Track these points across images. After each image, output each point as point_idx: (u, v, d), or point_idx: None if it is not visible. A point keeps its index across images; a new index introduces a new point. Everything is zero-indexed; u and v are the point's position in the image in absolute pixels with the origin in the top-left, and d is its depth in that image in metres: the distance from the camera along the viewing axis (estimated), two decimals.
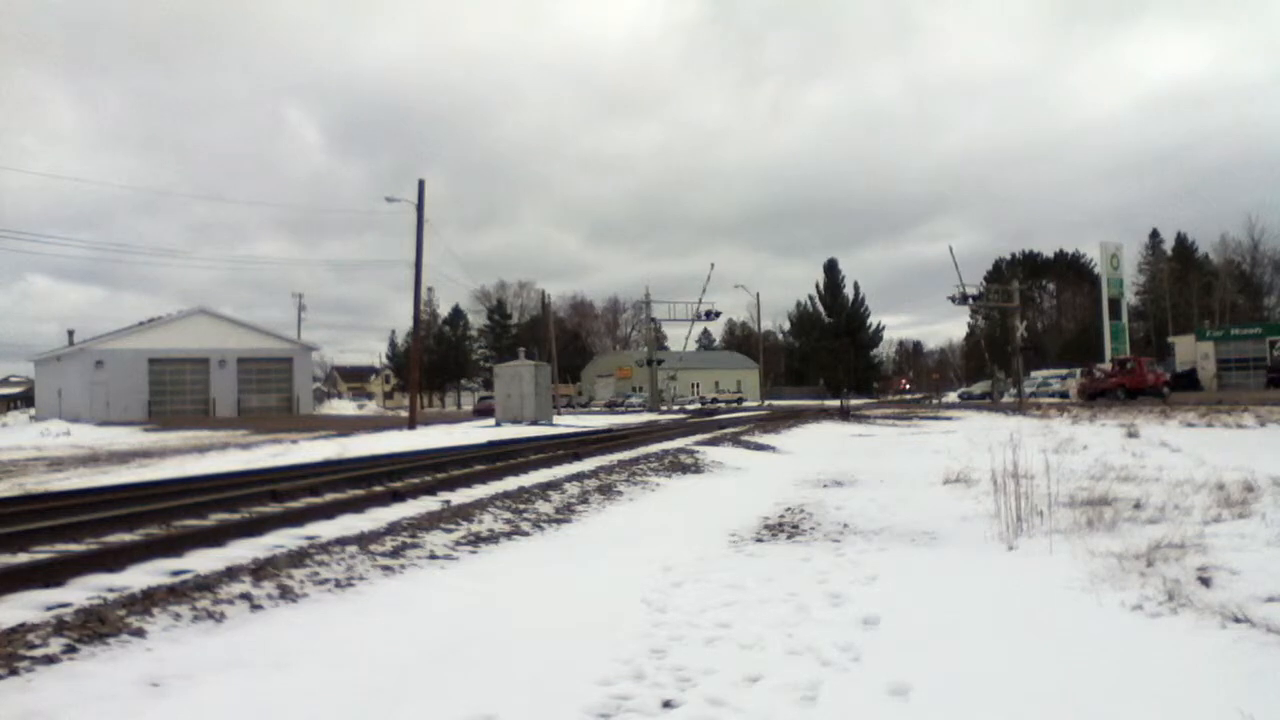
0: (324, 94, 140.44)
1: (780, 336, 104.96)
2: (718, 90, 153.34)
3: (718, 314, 60.55)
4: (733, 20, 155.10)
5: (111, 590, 5.12)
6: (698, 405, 66.03)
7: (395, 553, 6.24)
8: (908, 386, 75.34)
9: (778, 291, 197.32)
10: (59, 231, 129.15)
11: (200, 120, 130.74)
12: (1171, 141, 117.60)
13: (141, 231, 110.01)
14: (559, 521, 8.19)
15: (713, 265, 59.09)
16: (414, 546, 6.50)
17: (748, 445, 17.99)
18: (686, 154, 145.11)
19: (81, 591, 5.15)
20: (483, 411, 47.23)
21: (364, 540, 6.49)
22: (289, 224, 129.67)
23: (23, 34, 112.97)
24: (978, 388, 63.60)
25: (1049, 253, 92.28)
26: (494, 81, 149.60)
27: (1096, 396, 41.47)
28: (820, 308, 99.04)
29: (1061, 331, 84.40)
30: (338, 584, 5.35)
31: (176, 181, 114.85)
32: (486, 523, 7.71)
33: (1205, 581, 4.73)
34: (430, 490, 10.00)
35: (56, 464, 18.31)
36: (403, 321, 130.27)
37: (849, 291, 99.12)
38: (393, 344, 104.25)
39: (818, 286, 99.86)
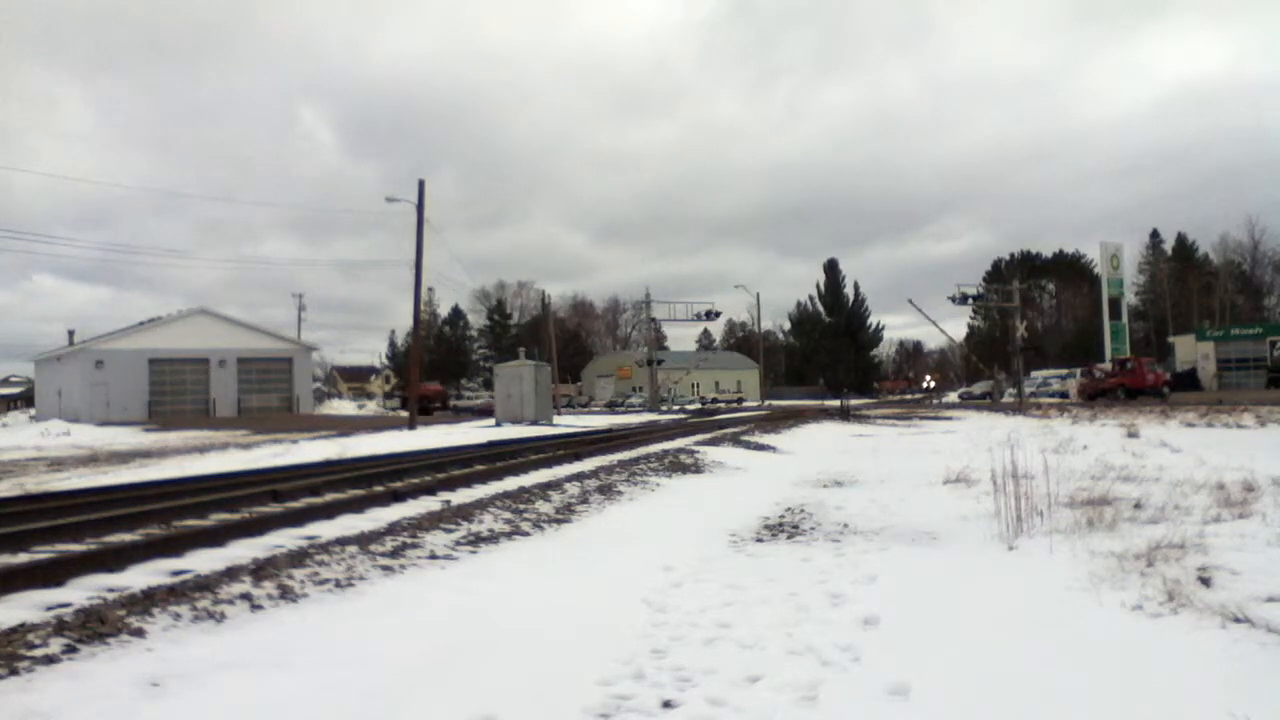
0: (338, 94, 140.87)
1: (781, 336, 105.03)
2: (733, 89, 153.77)
3: (718, 314, 60.53)
4: (750, 19, 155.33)
5: (111, 590, 5.12)
6: (698, 405, 65.99)
7: (395, 553, 6.24)
8: (932, 384, 74.48)
9: (782, 291, 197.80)
10: (67, 231, 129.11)
11: (213, 120, 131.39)
12: (1180, 142, 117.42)
13: (150, 232, 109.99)
14: (559, 521, 8.18)
15: (757, 300, 59.72)
16: (414, 546, 6.50)
17: (748, 445, 17.99)
18: (699, 153, 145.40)
19: (81, 591, 5.15)
20: (483, 411, 47.25)
21: (364, 540, 6.49)
22: (299, 224, 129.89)
23: (38, 34, 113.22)
24: (978, 388, 63.60)
25: (1049, 253, 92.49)
26: (508, 81, 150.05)
27: (1096, 396, 41.48)
28: (820, 307, 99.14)
29: (1061, 331, 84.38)
30: (338, 584, 5.35)
31: (188, 182, 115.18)
32: (487, 523, 7.71)
33: (1205, 581, 4.73)
34: (430, 490, 9.99)
35: (56, 464, 18.31)
36: (404, 321, 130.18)
37: (849, 291, 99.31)
38: (393, 344, 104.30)
39: (818, 286, 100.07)
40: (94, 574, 5.57)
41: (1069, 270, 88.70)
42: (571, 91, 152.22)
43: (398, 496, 9.33)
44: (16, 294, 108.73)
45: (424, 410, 51.56)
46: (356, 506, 8.61)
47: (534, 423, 31.73)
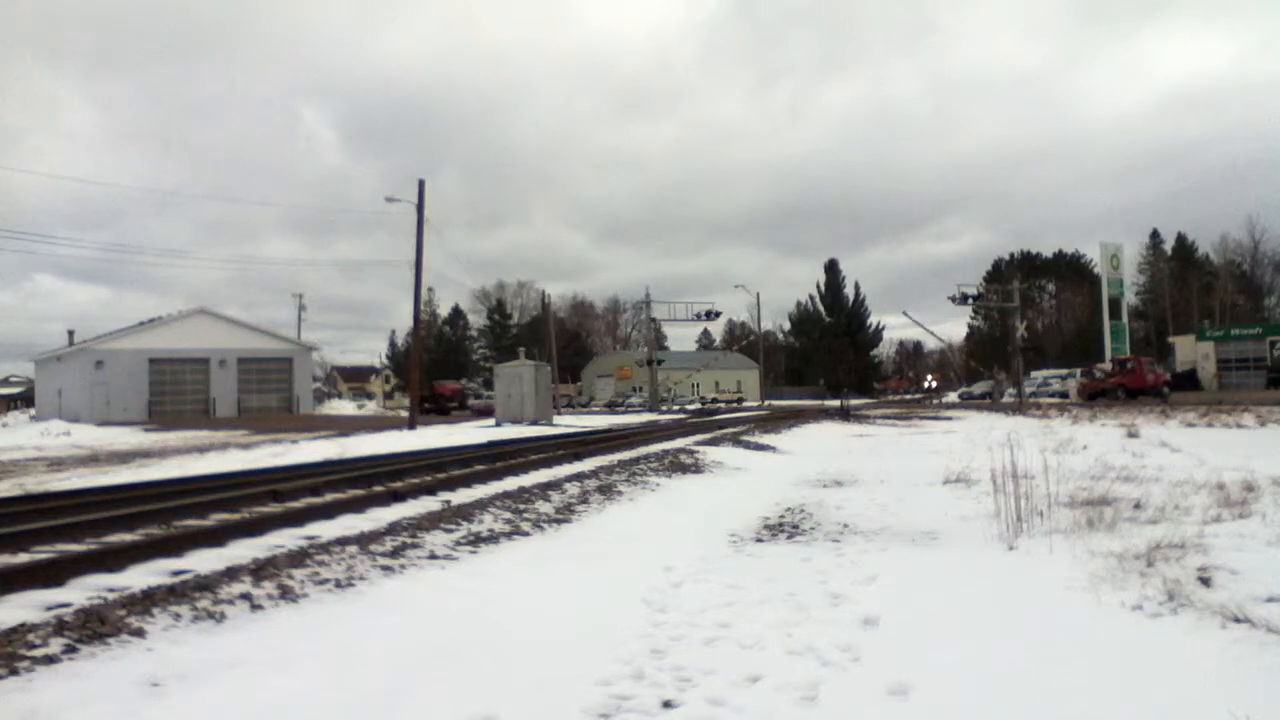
0: (338, 94, 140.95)
1: (781, 336, 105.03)
2: (734, 89, 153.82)
3: (718, 314, 60.52)
4: (752, 19, 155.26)
5: (111, 590, 5.12)
6: (698, 405, 65.94)
7: (395, 553, 6.24)
8: (934, 384, 74.62)
9: (783, 291, 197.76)
10: (68, 231, 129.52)
11: (214, 120, 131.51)
12: (1180, 142, 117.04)
13: (150, 232, 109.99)
14: (559, 521, 8.18)
15: (757, 300, 59.22)
16: (414, 546, 6.50)
17: (748, 445, 17.99)
18: (699, 153, 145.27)
19: (81, 591, 5.15)
20: (483, 411, 47.28)
21: (364, 540, 6.49)
22: (299, 224, 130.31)
23: (38, 34, 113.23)
24: (978, 388, 63.54)
25: (1049, 253, 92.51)
26: (508, 81, 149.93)
27: (1096, 396, 41.50)
28: (820, 308, 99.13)
29: (1061, 331, 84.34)
30: (338, 584, 5.35)
31: (188, 182, 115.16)
32: (487, 523, 7.71)
33: (1205, 581, 4.73)
34: (430, 490, 10.00)
35: (57, 464, 18.30)
36: (405, 321, 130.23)
37: (849, 291, 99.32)
38: (393, 344, 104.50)
39: (818, 286, 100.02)
40: (94, 574, 5.57)
41: (1069, 270, 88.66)
42: (572, 91, 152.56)
43: (398, 496, 9.33)
44: (16, 294, 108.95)
45: (442, 410, 51.62)
46: (356, 506, 8.61)
47: (534, 423, 31.73)
